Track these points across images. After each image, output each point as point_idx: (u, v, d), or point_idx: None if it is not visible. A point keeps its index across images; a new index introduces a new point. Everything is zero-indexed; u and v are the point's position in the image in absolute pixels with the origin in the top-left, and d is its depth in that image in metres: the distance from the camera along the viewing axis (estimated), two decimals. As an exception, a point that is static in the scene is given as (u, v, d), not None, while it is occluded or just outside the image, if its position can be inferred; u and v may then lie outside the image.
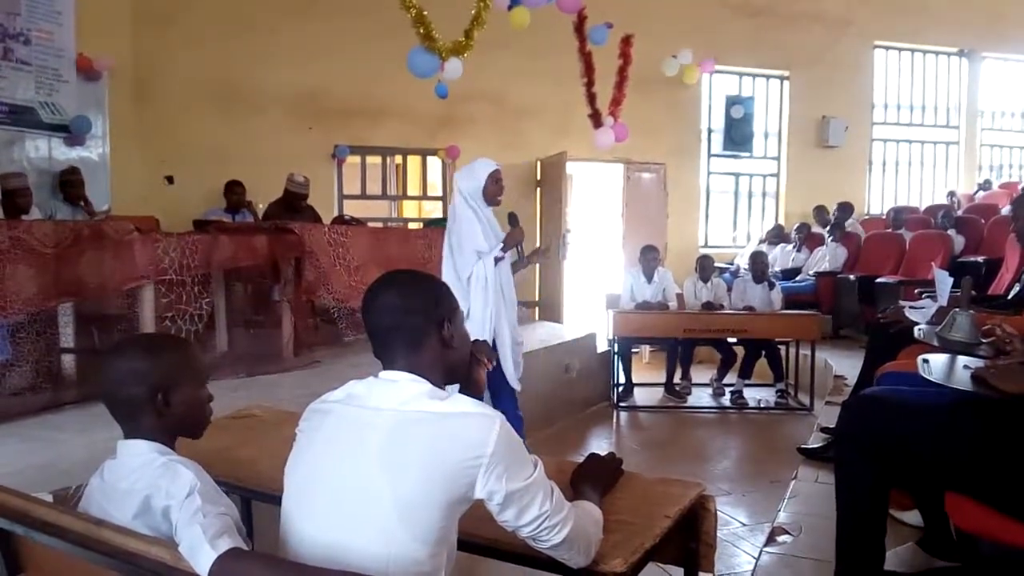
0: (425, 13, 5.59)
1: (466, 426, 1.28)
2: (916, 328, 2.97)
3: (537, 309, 8.51)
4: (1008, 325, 2.43)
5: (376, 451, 1.27)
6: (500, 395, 3.74)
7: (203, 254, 4.41)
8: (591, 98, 7.71)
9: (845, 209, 8.44)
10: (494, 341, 3.71)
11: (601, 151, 8.06)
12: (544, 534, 1.34)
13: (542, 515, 1.32)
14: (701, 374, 6.93)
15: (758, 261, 6.75)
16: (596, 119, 7.79)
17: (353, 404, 1.36)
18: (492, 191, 3.75)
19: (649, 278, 6.66)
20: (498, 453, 1.26)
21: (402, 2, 5.53)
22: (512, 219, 3.89)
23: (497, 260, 3.75)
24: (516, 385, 3.81)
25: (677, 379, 6.60)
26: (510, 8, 6.18)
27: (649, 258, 6.68)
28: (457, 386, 1.62)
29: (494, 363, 1.73)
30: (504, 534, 1.39)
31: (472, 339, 1.66)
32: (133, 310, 4.18)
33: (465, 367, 1.58)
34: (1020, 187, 8.38)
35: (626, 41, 7.81)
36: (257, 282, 5.29)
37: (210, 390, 1.58)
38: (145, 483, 1.39)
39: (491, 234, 3.79)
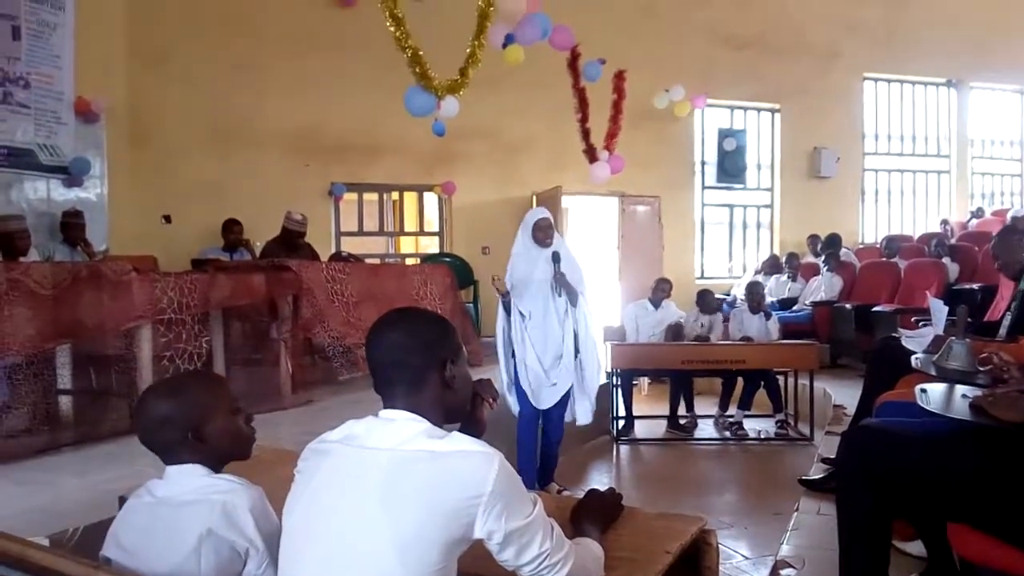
0: (420, 52, 5.67)
1: (465, 465, 1.27)
2: (913, 357, 2.97)
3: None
4: (1005, 353, 2.44)
5: (375, 491, 1.26)
6: (545, 415, 4.54)
7: (201, 293, 4.41)
8: (585, 133, 7.80)
9: (833, 242, 8.47)
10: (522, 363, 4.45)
11: (596, 185, 8.13)
12: (545, 573, 1.33)
13: (542, 554, 1.31)
14: (703, 406, 6.89)
15: (754, 292, 6.77)
16: (591, 154, 7.87)
17: (352, 444, 1.35)
18: (536, 236, 4.46)
19: (656, 305, 6.78)
20: (497, 492, 1.26)
21: (397, 42, 5.61)
22: (555, 258, 4.40)
23: (507, 306, 4.48)
24: (538, 405, 4.47)
25: (681, 412, 6.57)
26: (504, 46, 6.27)
27: (661, 288, 6.86)
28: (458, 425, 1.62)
29: (497, 402, 1.73)
30: (504, 573, 1.38)
31: (477, 378, 1.67)
32: (131, 350, 4.17)
33: (465, 408, 1.58)
34: (1008, 218, 8.44)
35: (619, 76, 7.92)
36: (255, 320, 5.29)
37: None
38: (229, 495, 1.47)
39: (533, 271, 4.43)
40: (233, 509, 1.45)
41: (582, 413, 4.66)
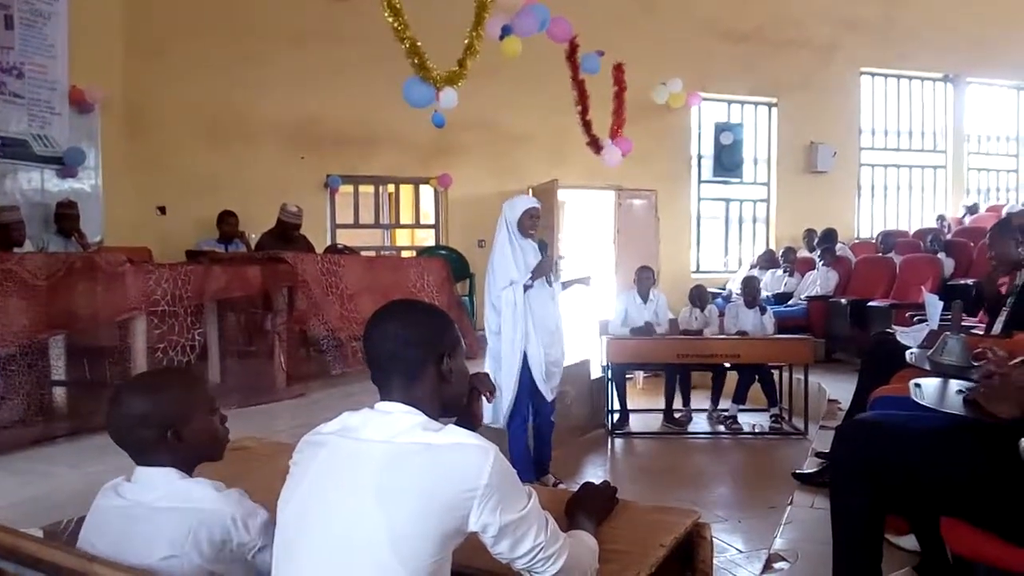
0: (419, 43, 5.64)
1: (460, 458, 1.28)
2: (908, 352, 2.98)
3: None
4: (999, 348, 2.44)
5: (370, 484, 1.26)
6: (539, 405, 4.48)
7: (196, 285, 4.40)
8: (587, 125, 7.76)
9: (828, 236, 8.50)
10: (524, 358, 4.33)
11: (594, 177, 8.12)
12: (539, 566, 1.33)
13: (537, 547, 1.32)
14: (698, 400, 6.90)
15: (750, 286, 6.78)
16: (595, 145, 7.84)
17: (347, 436, 1.35)
18: (524, 225, 4.32)
19: (645, 298, 6.68)
20: (492, 485, 1.26)
21: (396, 33, 5.58)
22: (542, 247, 4.37)
23: (526, 287, 4.31)
24: (548, 396, 4.45)
25: (677, 405, 6.56)
26: (502, 37, 6.24)
27: (644, 277, 6.72)
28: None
29: (495, 396, 1.73)
30: (499, 566, 1.38)
31: (473, 371, 1.66)
32: (125, 342, 4.15)
33: (462, 401, 1.58)
34: (1003, 214, 8.46)
35: (618, 68, 7.90)
36: (250, 312, 5.28)
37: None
38: (207, 508, 1.45)
39: (522, 263, 4.31)
40: (211, 527, 1.43)
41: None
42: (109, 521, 1.48)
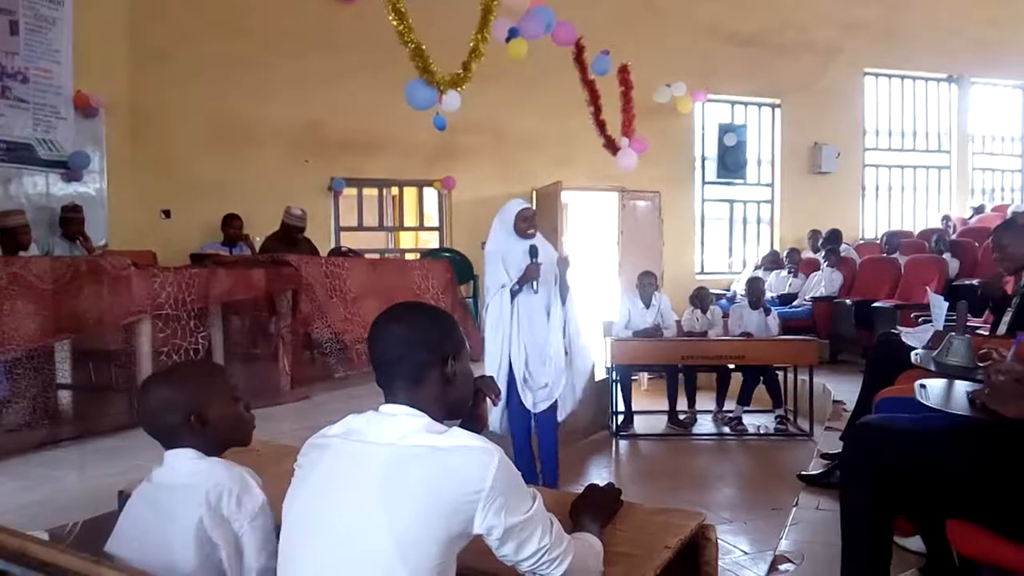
0: (423, 46, 5.65)
1: (464, 460, 1.27)
2: (913, 353, 2.97)
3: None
4: (1004, 349, 2.44)
5: (374, 486, 1.26)
6: (537, 417, 4.29)
7: (200, 288, 4.41)
8: (601, 125, 7.75)
9: (833, 237, 8.49)
10: (510, 367, 4.20)
11: (598, 179, 8.11)
12: (544, 568, 1.33)
13: (541, 549, 1.31)
14: (703, 401, 6.88)
15: (754, 287, 6.76)
16: (611, 145, 7.84)
17: (352, 439, 1.35)
18: (519, 227, 4.23)
19: (647, 303, 6.65)
20: (497, 487, 1.26)
21: (400, 36, 5.59)
22: (532, 252, 4.20)
23: (514, 293, 4.21)
24: (530, 407, 4.23)
25: (681, 407, 6.55)
26: (508, 40, 6.25)
27: (646, 283, 6.68)
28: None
29: (500, 400, 1.73)
30: (504, 568, 1.38)
31: (479, 375, 1.66)
32: (130, 345, 4.17)
33: (467, 404, 1.58)
34: (1008, 213, 8.44)
35: (624, 69, 7.91)
36: (254, 315, 5.29)
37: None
38: (211, 481, 1.50)
39: (515, 268, 4.22)
40: (210, 497, 1.48)
41: (562, 409, 4.45)
42: (137, 506, 1.56)
